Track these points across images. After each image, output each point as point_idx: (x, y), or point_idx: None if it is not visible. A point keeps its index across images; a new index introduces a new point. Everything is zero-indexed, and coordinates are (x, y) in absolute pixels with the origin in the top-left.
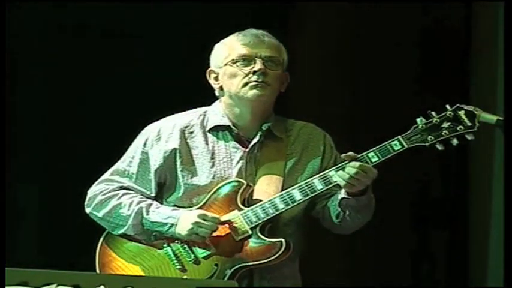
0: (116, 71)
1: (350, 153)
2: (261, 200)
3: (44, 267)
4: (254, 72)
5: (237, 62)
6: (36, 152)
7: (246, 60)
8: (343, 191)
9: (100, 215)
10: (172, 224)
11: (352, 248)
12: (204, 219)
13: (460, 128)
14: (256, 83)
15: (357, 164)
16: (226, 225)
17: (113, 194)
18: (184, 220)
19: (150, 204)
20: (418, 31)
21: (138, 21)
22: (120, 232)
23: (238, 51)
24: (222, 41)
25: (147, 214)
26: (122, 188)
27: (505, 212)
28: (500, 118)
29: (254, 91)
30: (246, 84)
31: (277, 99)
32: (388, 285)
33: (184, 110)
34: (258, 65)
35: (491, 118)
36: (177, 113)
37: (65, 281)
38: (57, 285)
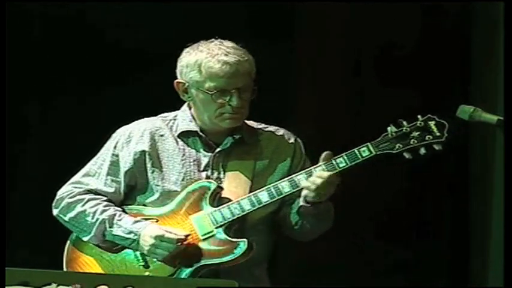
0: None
1: (327, 153)
2: (229, 201)
3: (44, 267)
4: (230, 105)
5: (212, 93)
6: (37, 152)
7: (222, 92)
8: (301, 199)
9: (66, 218)
10: (134, 240)
11: (349, 254)
12: (161, 240)
13: (428, 138)
14: (231, 114)
15: (325, 174)
16: (192, 223)
17: (79, 199)
18: (144, 238)
19: (113, 216)
20: (418, 31)
21: (137, 21)
22: (85, 239)
23: (213, 83)
24: (192, 53)
25: (110, 227)
26: (89, 191)
27: (505, 211)
28: (501, 118)
29: (229, 121)
30: (221, 114)
31: (277, 99)
32: (387, 286)
33: None
34: (235, 100)
35: (492, 118)
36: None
37: (65, 281)
38: (57, 285)
